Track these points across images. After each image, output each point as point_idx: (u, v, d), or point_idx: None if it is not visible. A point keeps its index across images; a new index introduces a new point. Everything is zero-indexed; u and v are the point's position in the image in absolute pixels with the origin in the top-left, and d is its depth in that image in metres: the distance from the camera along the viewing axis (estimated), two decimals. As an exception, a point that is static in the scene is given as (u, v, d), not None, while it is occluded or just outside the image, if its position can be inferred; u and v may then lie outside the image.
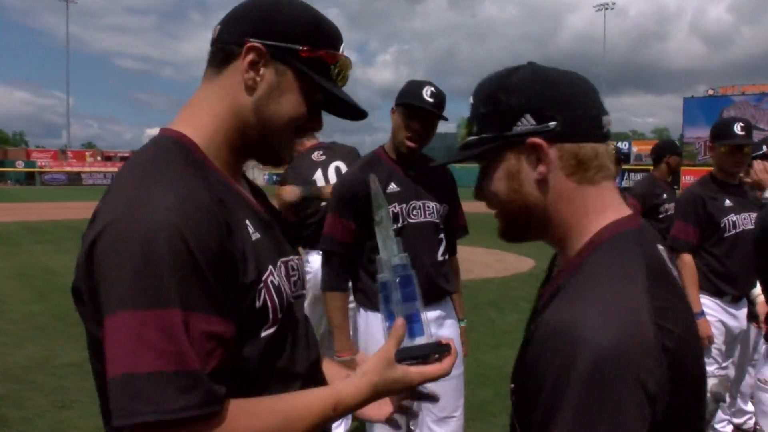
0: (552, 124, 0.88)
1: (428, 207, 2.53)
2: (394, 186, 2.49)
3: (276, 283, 1.00)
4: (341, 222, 2.50)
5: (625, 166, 58.57)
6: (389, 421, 1.20)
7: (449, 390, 2.53)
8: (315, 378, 1.11)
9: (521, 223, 0.95)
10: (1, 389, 4.39)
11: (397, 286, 1.03)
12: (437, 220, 2.56)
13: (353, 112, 1.13)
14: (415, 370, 1.02)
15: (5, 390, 4.38)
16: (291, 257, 1.12)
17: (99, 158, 65.10)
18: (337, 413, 0.99)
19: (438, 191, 2.59)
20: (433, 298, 2.49)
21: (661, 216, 4.58)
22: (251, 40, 0.99)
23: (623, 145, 63.68)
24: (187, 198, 0.88)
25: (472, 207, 2.21)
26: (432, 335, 1.08)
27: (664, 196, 4.67)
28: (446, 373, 1.04)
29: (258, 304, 0.96)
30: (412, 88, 2.44)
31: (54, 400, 4.17)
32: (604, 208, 0.90)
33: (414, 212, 2.50)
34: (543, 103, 0.89)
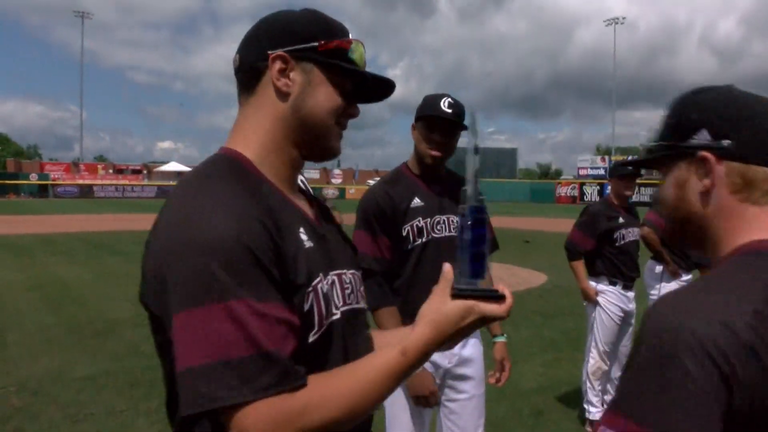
0: (726, 142, 0.93)
1: (453, 221, 2.47)
2: (418, 201, 2.47)
3: (325, 290, 1.03)
4: (373, 238, 2.45)
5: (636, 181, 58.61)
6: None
7: (470, 409, 2.50)
8: None
9: (680, 229, 1.01)
10: (17, 402, 4.40)
11: (470, 227, 1.03)
12: None
13: (382, 88, 1.18)
14: (473, 303, 0.99)
15: (21, 403, 4.39)
16: (345, 270, 1.14)
17: (110, 171, 65.64)
18: (409, 358, 0.96)
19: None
20: None
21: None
22: (272, 51, 1.06)
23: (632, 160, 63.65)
24: (238, 206, 0.94)
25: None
26: (492, 280, 1.07)
27: None
28: (503, 316, 1.01)
29: (306, 306, 0.99)
30: (430, 101, 2.45)
31: (69, 414, 4.16)
32: (759, 230, 0.91)
33: (438, 227, 2.46)
34: (721, 122, 0.94)
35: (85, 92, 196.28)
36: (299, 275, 0.98)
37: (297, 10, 1.12)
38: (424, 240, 2.42)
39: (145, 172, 66.68)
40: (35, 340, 6.08)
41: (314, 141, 1.11)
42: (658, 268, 4.98)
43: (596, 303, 4.29)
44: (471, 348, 2.53)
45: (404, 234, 2.42)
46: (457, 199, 2.69)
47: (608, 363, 4.33)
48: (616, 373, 4.37)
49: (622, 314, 4.31)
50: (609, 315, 4.28)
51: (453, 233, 2.44)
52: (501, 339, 2.68)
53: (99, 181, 60.62)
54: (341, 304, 1.08)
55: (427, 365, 2.29)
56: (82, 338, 6.18)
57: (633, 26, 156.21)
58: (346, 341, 1.07)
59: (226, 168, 1.02)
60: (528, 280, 10.35)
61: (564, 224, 11.29)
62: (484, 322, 1.00)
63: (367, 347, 1.14)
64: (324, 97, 1.08)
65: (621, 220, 4.31)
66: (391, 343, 0.99)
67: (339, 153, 1.17)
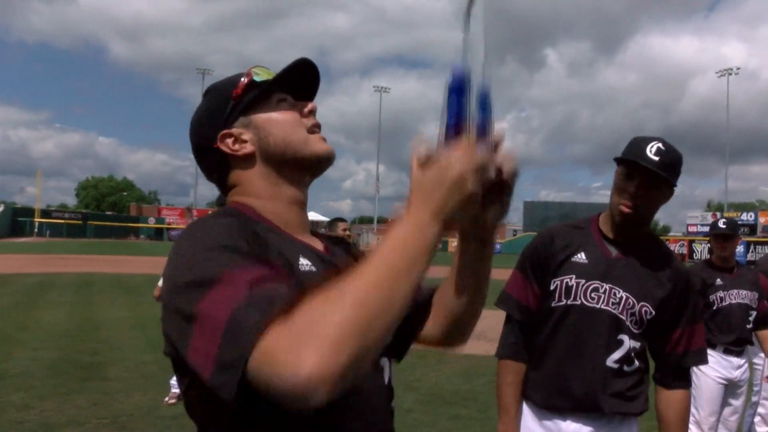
0: None
1: (616, 295, 2.03)
2: (582, 256, 2.09)
3: None
4: (523, 282, 2.17)
5: (750, 238, 54.33)
6: None
7: None
8: None
9: None
10: (108, 435, 4.68)
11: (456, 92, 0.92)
12: (622, 316, 2.02)
13: (306, 70, 1.19)
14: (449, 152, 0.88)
15: (111, 436, 4.66)
16: None
17: (220, 217, 69.20)
18: (412, 226, 0.86)
19: (645, 286, 2.04)
20: (584, 409, 2.02)
21: None
22: (214, 138, 1.14)
23: (749, 216, 59.26)
24: (233, 226, 0.98)
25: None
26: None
27: None
28: (486, 162, 0.89)
29: None
30: (636, 144, 2.02)
31: (152, 450, 4.35)
32: None
33: (593, 294, 2.04)
34: None
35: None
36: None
37: (210, 87, 1.22)
38: (569, 302, 2.06)
39: (250, 218, 69.84)
40: (132, 376, 6.46)
41: (300, 160, 1.14)
42: None
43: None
44: None
45: (551, 288, 2.10)
46: (638, 273, 2.10)
47: None
48: None
49: (724, 381, 3.98)
50: (709, 378, 3.97)
51: (609, 308, 2.03)
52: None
53: (208, 226, 64.22)
54: None
55: None
56: (172, 376, 6.49)
57: (753, 76, 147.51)
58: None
59: (229, 211, 1.09)
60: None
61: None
62: (482, 173, 0.89)
63: (380, 387, 1.11)
64: (279, 126, 1.13)
65: (719, 282, 4.02)
66: None
67: (329, 152, 1.16)
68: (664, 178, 1.94)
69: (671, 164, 1.96)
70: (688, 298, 2.09)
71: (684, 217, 60.48)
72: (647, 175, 1.95)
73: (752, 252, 52.78)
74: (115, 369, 6.74)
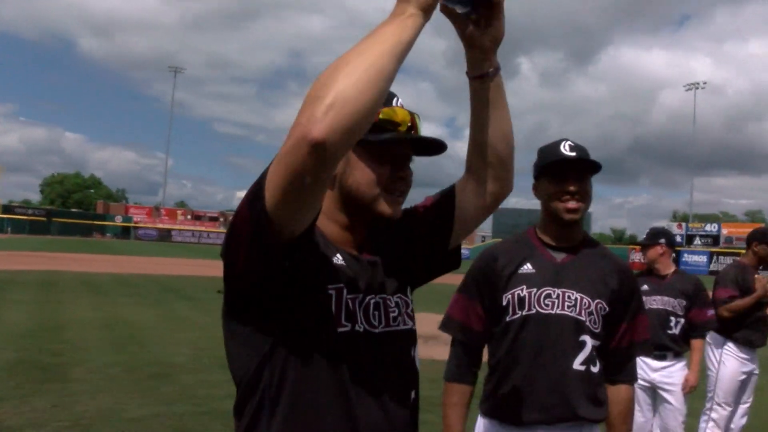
0: None
1: (569, 297, 2.04)
2: (529, 267, 2.10)
3: (347, 300, 1.20)
4: (467, 303, 2.17)
5: (714, 249, 55.78)
6: None
7: None
8: None
9: None
10: (69, 438, 4.55)
11: None
12: (581, 317, 2.03)
13: (432, 143, 1.30)
14: None
15: (72, 439, 4.53)
16: (391, 296, 1.31)
17: (189, 217, 68.58)
18: (393, 16, 1.05)
19: (595, 284, 2.08)
20: (557, 418, 2.01)
21: None
22: None
23: (712, 227, 60.83)
24: None
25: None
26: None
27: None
28: None
29: (327, 294, 1.18)
30: (548, 151, 2.10)
31: (115, 454, 4.25)
32: None
33: (547, 301, 2.04)
34: None
35: (174, 141, 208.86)
36: (318, 267, 1.18)
37: None
38: (524, 313, 2.05)
39: (221, 219, 69.21)
40: (96, 378, 6.31)
41: (363, 210, 1.26)
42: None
43: None
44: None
45: (504, 303, 2.08)
46: (585, 274, 2.16)
47: None
48: None
49: (644, 383, 4.16)
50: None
51: (566, 312, 2.03)
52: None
53: (177, 226, 63.38)
54: (383, 324, 1.25)
55: None
56: (139, 380, 6.37)
57: (719, 91, 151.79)
58: (359, 361, 1.19)
59: None
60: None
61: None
62: None
63: (408, 365, 1.30)
64: (360, 173, 1.23)
65: (645, 287, 4.14)
66: None
67: (393, 215, 1.27)
68: (592, 162, 2.05)
69: (587, 151, 2.09)
70: (633, 291, 2.15)
71: (649, 227, 61.74)
72: (577, 168, 2.06)
73: (715, 262, 54.22)
74: (78, 370, 6.57)
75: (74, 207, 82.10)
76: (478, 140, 1.33)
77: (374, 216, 1.26)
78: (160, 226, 62.59)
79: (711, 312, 4.25)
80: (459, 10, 1.19)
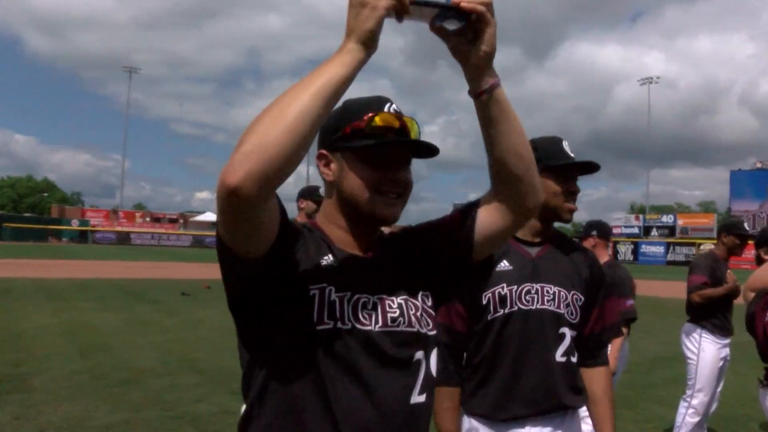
0: None
1: (548, 291, 2.08)
2: (506, 264, 2.10)
3: (332, 299, 1.22)
4: (450, 306, 2.14)
5: (670, 239, 57.44)
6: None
7: None
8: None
9: None
10: (35, 449, 4.42)
11: None
12: (560, 310, 2.08)
13: (422, 146, 1.31)
14: None
15: (39, 450, 4.40)
16: (393, 297, 1.30)
17: (148, 219, 67.25)
18: (334, 54, 1.08)
19: (570, 276, 2.13)
20: (544, 410, 2.06)
21: None
22: (318, 151, 1.35)
23: (668, 218, 62.60)
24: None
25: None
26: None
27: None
28: None
29: (308, 295, 1.21)
30: (552, 149, 2.11)
31: (85, 463, 4.15)
32: None
33: (527, 297, 2.07)
34: None
35: (130, 143, 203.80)
36: (302, 265, 1.22)
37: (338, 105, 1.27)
38: (506, 311, 2.06)
39: (181, 221, 68.12)
40: (61, 386, 6.14)
41: (361, 213, 1.30)
42: None
43: None
44: None
45: (484, 303, 2.08)
46: (562, 268, 2.20)
47: None
48: None
49: None
50: None
51: (546, 305, 2.07)
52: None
53: (136, 229, 62.06)
54: (380, 324, 1.24)
55: None
56: (106, 386, 6.23)
57: (672, 86, 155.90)
58: (346, 358, 1.21)
59: (298, 223, 1.36)
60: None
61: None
62: None
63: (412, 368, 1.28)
64: (352, 179, 1.28)
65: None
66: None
67: (391, 217, 1.31)
68: (595, 164, 2.16)
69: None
70: (601, 278, 2.24)
71: (608, 219, 63.23)
72: (579, 170, 2.17)
73: (672, 252, 55.87)
74: (40, 379, 6.38)
75: (27, 211, 79.52)
76: (491, 158, 1.29)
77: (372, 218, 1.30)
78: (119, 229, 61.19)
79: (630, 302, 4.43)
80: (451, 27, 1.15)
